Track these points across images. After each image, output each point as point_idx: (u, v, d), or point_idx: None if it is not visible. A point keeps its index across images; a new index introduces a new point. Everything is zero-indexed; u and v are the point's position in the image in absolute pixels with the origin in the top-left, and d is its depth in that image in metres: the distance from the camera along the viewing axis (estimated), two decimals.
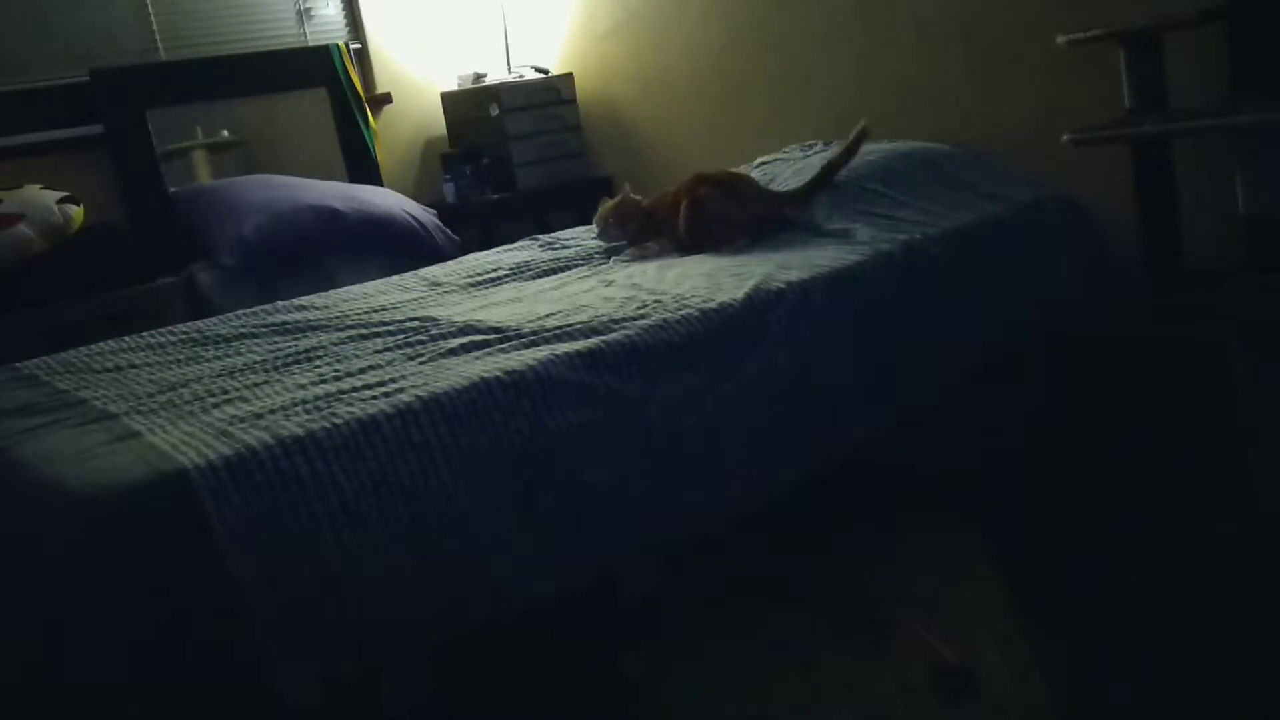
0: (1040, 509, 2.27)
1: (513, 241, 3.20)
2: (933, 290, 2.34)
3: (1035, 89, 2.87)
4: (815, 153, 3.10)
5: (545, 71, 4.30)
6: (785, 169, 2.99)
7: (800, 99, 3.52)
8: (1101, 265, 2.67)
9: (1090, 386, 2.23)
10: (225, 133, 3.98)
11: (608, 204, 2.84)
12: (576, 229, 3.23)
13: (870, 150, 2.87)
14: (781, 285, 2.15)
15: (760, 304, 2.08)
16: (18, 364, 2.27)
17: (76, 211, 3.22)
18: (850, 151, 2.71)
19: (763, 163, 3.17)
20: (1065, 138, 2.38)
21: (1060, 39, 2.50)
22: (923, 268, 2.34)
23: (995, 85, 2.97)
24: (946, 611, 1.93)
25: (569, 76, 4.25)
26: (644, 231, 2.79)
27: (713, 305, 2.04)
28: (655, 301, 2.11)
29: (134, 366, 2.19)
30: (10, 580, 1.58)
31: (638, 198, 2.84)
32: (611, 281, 2.41)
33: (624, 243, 2.83)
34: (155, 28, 3.77)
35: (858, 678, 1.78)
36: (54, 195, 3.20)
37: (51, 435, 1.75)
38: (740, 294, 2.09)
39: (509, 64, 4.40)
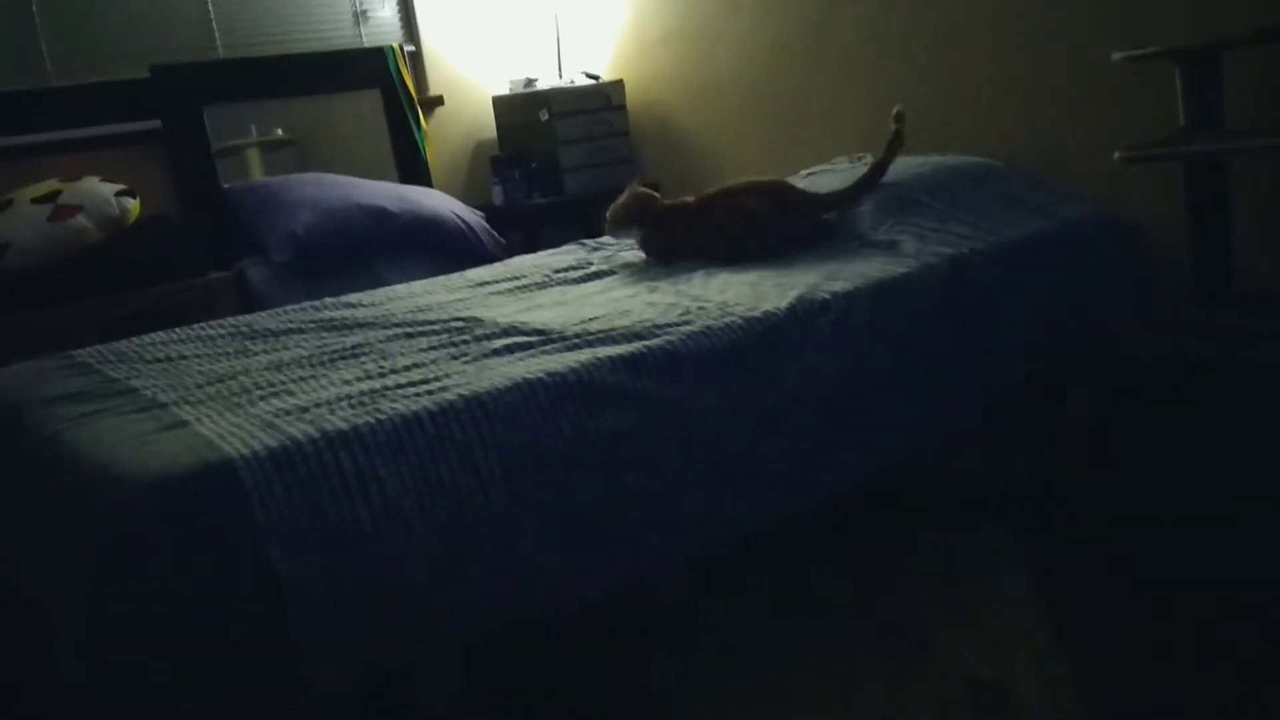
0: (1081, 528, 2.24)
1: (559, 245, 3.22)
2: (978, 305, 2.32)
3: (1087, 105, 2.85)
4: (865, 163, 3.09)
5: (596, 78, 4.33)
6: (833, 180, 2.98)
7: (850, 110, 3.52)
8: (1151, 286, 2.64)
9: (1136, 406, 2.21)
10: (279, 131, 4.04)
11: (619, 200, 2.79)
12: None
13: (920, 163, 2.86)
14: (826, 296, 2.15)
15: (804, 314, 2.08)
16: (72, 351, 2.32)
17: (133, 204, 3.28)
18: (895, 144, 2.69)
19: (810, 173, 3.17)
20: (1117, 155, 2.36)
21: (1116, 55, 2.48)
22: (969, 282, 2.33)
23: (1047, 100, 2.95)
24: (984, 629, 1.92)
25: (619, 83, 4.27)
26: (658, 231, 2.75)
27: (756, 314, 2.04)
28: (699, 308, 2.12)
29: (184, 358, 2.23)
30: (60, 563, 1.61)
31: (650, 192, 2.78)
32: (655, 287, 2.42)
33: (633, 241, 2.82)
34: (215, 25, 3.83)
35: (893, 694, 1.78)
36: (112, 188, 3.26)
37: (102, 422, 1.78)
38: (784, 303, 2.10)
39: (560, 69, 4.43)
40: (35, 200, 3.12)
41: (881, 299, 2.19)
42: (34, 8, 3.44)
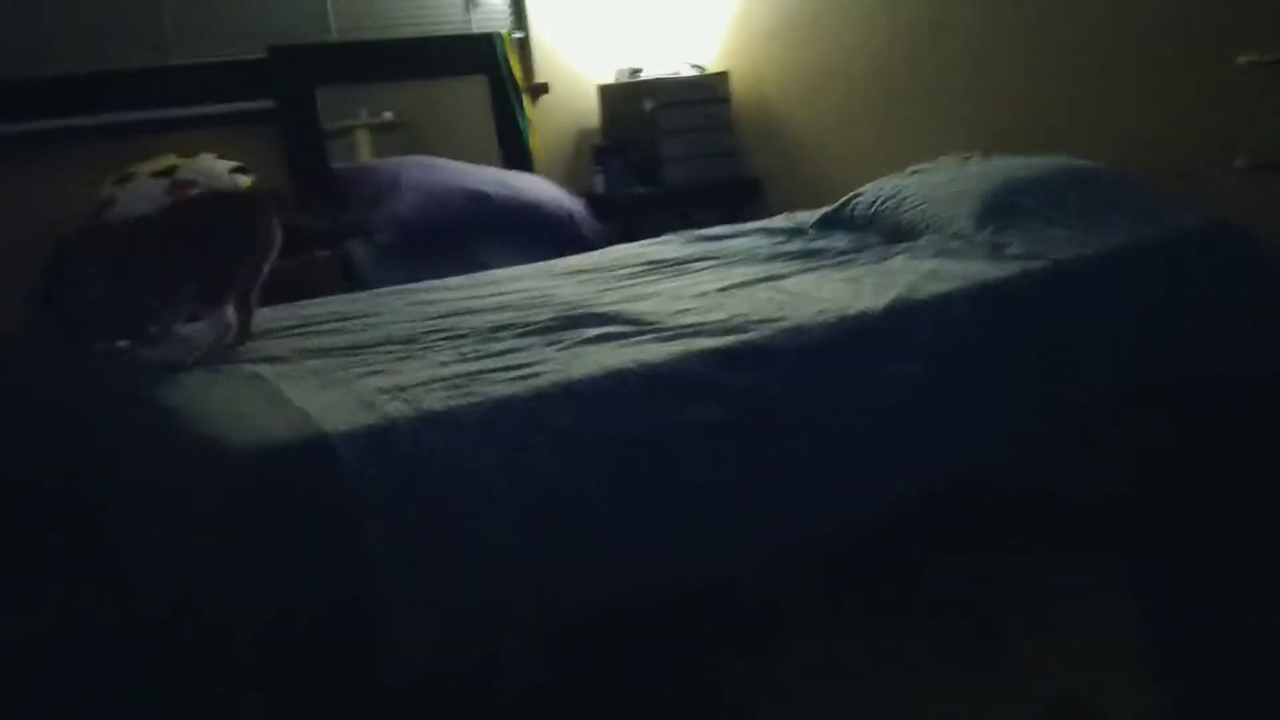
0: (1175, 545, 2.18)
1: (657, 235, 3.23)
2: (1081, 312, 2.27)
3: (1208, 110, 2.74)
4: (972, 163, 3.04)
5: (701, 69, 4.32)
6: (939, 178, 2.93)
7: (960, 109, 3.45)
8: (1272, 301, 2.53)
9: (1242, 425, 2.14)
10: (388, 114, 4.11)
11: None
12: (722, 226, 3.23)
13: (1025, 164, 2.80)
14: (924, 296, 2.12)
15: (901, 313, 2.06)
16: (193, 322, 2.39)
17: (246, 181, 3.37)
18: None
19: (915, 170, 3.12)
20: (1240, 162, 2.27)
21: (1241, 59, 2.39)
22: (1072, 288, 2.27)
23: (1164, 104, 2.86)
24: (1069, 642, 1.88)
25: (724, 75, 4.26)
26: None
27: (852, 312, 2.03)
28: (794, 304, 2.10)
29: (287, 334, 2.29)
30: (165, 525, 1.67)
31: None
32: (751, 282, 2.41)
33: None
34: (330, 8, 3.91)
35: (976, 705, 1.75)
36: (227, 165, 3.36)
37: (207, 394, 1.84)
38: (881, 303, 2.07)
39: (667, 60, 4.43)
40: (154, 175, 3.22)
41: (980, 302, 2.15)
42: None
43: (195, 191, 3.14)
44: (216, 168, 3.32)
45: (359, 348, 2.08)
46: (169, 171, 3.22)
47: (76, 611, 2.18)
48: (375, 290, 2.70)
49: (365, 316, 2.39)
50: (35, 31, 3.39)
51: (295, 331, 2.30)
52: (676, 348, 1.86)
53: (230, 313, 2.11)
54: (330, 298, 2.62)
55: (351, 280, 3.32)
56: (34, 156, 2.30)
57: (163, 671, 1.74)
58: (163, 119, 3.59)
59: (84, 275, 2.11)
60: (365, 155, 4.02)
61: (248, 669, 1.48)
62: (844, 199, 3.08)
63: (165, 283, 2.12)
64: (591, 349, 1.93)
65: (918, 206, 2.82)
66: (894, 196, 2.92)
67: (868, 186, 3.08)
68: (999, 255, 2.40)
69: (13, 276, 3.14)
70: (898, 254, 2.58)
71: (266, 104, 3.70)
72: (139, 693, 1.81)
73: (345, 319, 2.39)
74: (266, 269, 2.15)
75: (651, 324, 2.03)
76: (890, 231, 2.84)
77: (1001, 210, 2.61)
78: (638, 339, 1.96)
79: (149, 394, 1.92)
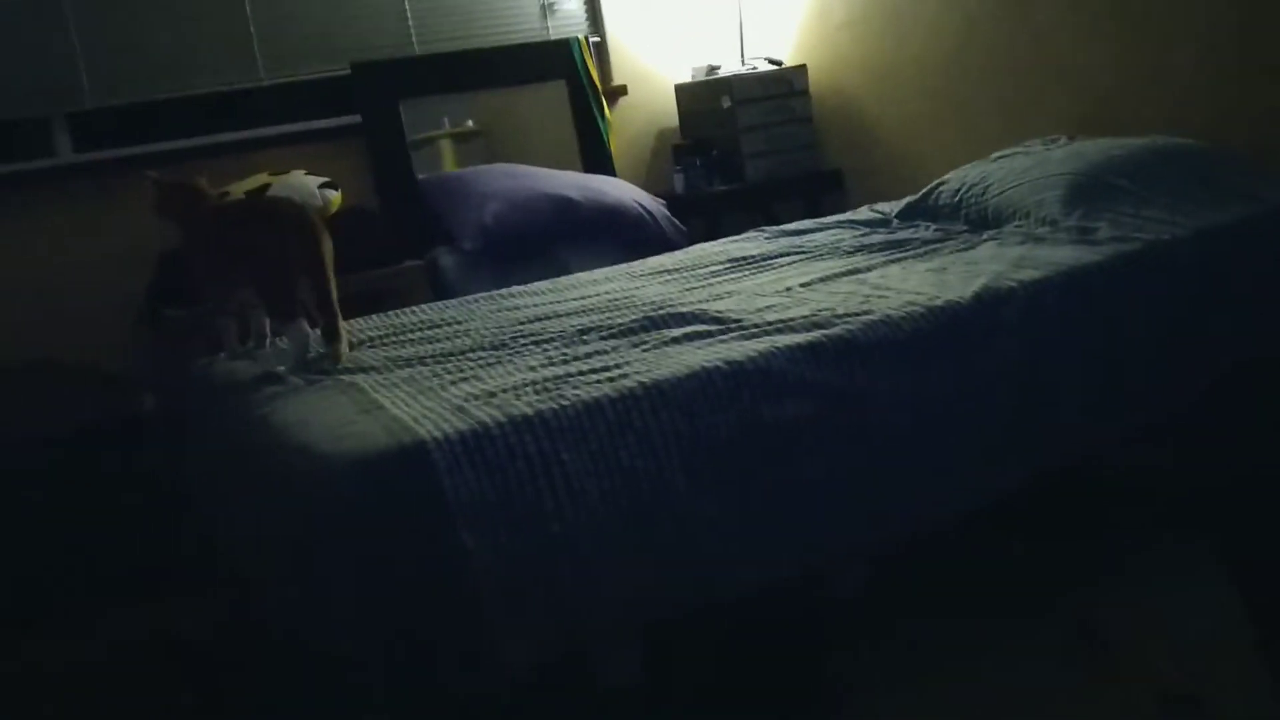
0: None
1: (739, 233, 3.22)
2: (1177, 296, 2.21)
3: None
4: (1059, 147, 2.98)
5: (779, 63, 4.30)
6: (1024, 162, 2.88)
7: (1045, 91, 3.38)
8: None
9: None
10: (470, 122, 4.18)
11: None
12: (804, 221, 3.22)
13: (1115, 144, 2.74)
14: (1013, 284, 2.09)
15: (989, 302, 2.03)
16: (278, 337, 2.47)
17: (335, 196, 3.45)
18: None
19: (1000, 156, 3.07)
20: None
21: None
22: (1167, 271, 2.22)
23: (1262, 77, 2.76)
24: (1176, 634, 1.84)
25: (802, 68, 4.23)
26: (193, 243, 2.35)
27: (939, 303, 2.01)
28: (879, 297, 2.09)
29: (379, 343, 2.34)
30: (270, 532, 1.73)
31: (188, 184, 2.34)
32: (835, 275, 2.40)
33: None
34: (411, 22, 3.99)
35: (1078, 700, 1.72)
36: (316, 180, 3.44)
37: (306, 403, 1.90)
38: (968, 292, 2.05)
39: (743, 56, 4.42)
40: (248, 193, 3.32)
41: (1072, 288, 2.11)
42: (248, 11, 3.67)
43: (320, 205, 3.25)
44: (307, 183, 3.41)
45: (449, 355, 2.13)
46: (262, 189, 3.32)
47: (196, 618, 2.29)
48: (463, 298, 2.75)
49: (454, 324, 2.44)
50: (133, 60, 3.53)
51: (388, 341, 2.35)
52: (762, 345, 1.87)
53: (305, 325, 2.17)
54: (419, 306, 2.67)
55: (440, 288, 3.38)
56: (136, 181, 2.41)
57: (278, 679, 1.80)
58: (255, 138, 3.71)
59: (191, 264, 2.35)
60: (448, 164, 4.08)
61: (361, 674, 1.52)
62: (927, 188, 3.04)
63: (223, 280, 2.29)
64: (676, 349, 1.94)
65: (1003, 193, 2.77)
66: (979, 183, 2.88)
67: (951, 174, 3.04)
68: (1089, 239, 2.36)
69: (121, 300, 3.30)
70: (984, 242, 2.54)
71: (353, 119, 3.80)
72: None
73: (435, 326, 2.44)
74: (330, 281, 2.19)
75: (736, 321, 2.04)
76: (976, 219, 2.81)
77: (1091, 193, 2.56)
78: (722, 337, 1.97)
79: (249, 406, 1.99)
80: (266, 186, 3.34)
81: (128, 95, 3.54)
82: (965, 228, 2.78)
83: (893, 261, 2.47)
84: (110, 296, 3.34)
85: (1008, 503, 2.03)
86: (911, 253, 2.56)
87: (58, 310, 3.32)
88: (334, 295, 2.16)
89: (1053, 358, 2.04)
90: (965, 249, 2.51)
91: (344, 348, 2.17)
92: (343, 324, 2.21)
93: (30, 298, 3.32)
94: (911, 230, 2.85)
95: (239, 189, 3.34)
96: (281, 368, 2.12)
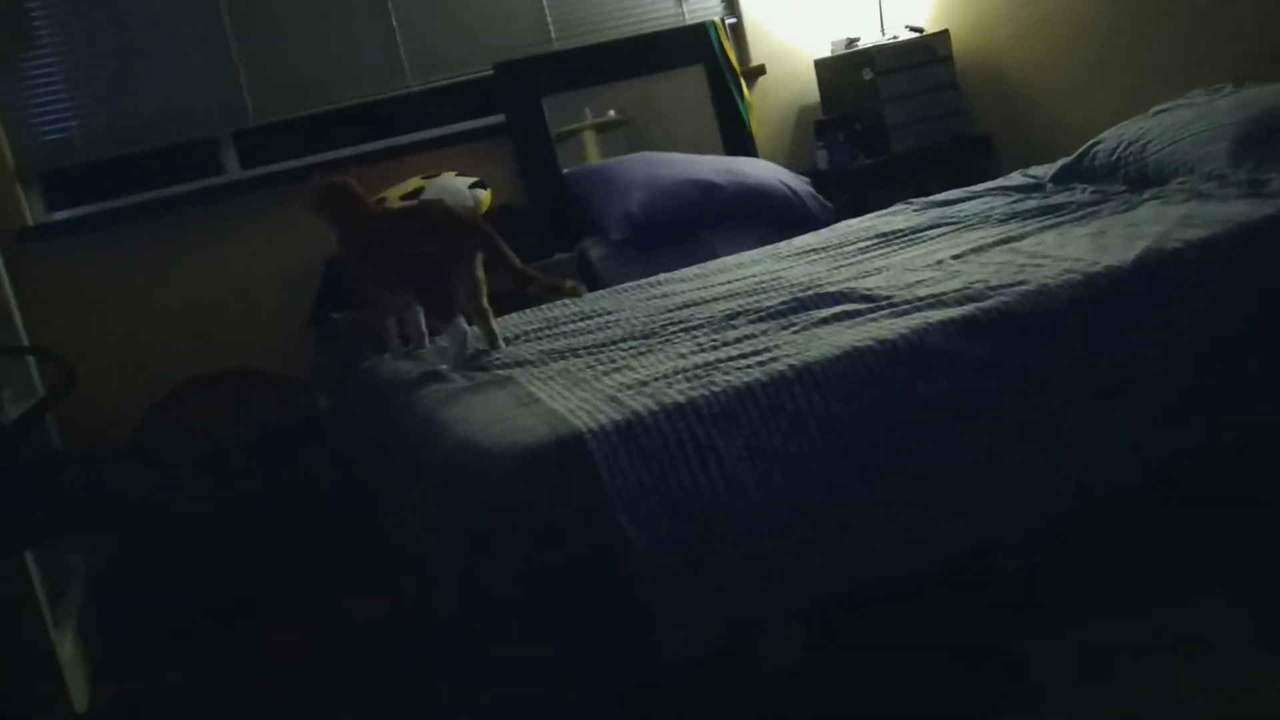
0: None
1: (886, 206, 3.17)
2: None
3: None
4: (1223, 96, 2.83)
5: (920, 30, 4.20)
6: (1186, 115, 2.75)
7: (1204, 37, 3.21)
8: None
9: None
10: (611, 112, 4.22)
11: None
12: (953, 191, 3.15)
13: None
14: (1178, 245, 2.00)
15: (1153, 266, 1.95)
16: (436, 336, 2.55)
17: (485, 195, 3.55)
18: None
19: (1159, 110, 2.94)
20: None
21: None
22: None
23: None
24: None
25: (944, 34, 4.13)
26: (352, 242, 2.43)
27: (1099, 268, 1.94)
28: (1035, 266, 2.03)
29: (534, 336, 2.40)
30: (440, 526, 1.80)
31: (344, 184, 2.43)
32: (988, 245, 2.34)
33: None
34: (549, 19, 4.05)
35: (1261, 680, 1.64)
36: (466, 181, 3.54)
37: (468, 399, 1.97)
38: (1130, 255, 1.97)
39: (882, 26, 4.34)
40: (403, 197, 3.44)
41: (1243, 247, 2.01)
42: (394, 22, 3.80)
43: (472, 205, 3.37)
44: (458, 184, 3.51)
45: (601, 345, 2.17)
46: (416, 193, 3.43)
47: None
48: (612, 288, 2.79)
49: (604, 314, 2.48)
50: (290, 78, 3.70)
51: (542, 334, 2.41)
52: (914, 321, 1.84)
53: (462, 323, 2.25)
54: (571, 299, 2.72)
55: (589, 279, 3.43)
56: (295, 193, 2.54)
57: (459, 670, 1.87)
58: (406, 143, 3.85)
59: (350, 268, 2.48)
60: (592, 155, 4.14)
61: (535, 664, 1.57)
62: (1082, 148, 2.93)
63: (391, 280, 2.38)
64: (826, 329, 1.93)
65: (1165, 149, 2.65)
66: (1138, 140, 2.76)
67: (1108, 132, 2.92)
68: (1262, 192, 2.23)
69: (292, 305, 3.47)
70: (1146, 202, 2.44)
71: (497, 118, 3.89)
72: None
73: (586, 318, 2.48)
74: (480, 279, 2.29)
75: (886, 298, 2.01)
76: (1136, 179, 2.69)
77: (1261, 143, 2.43)
78: (873, 315, 1.94)
79: (414, 403, 2.07)
80: (420, 190, 3.45)
81: (287, 111, 3.72)
82: (1124, 188, 2.66)
83: (1048, 228, 2.39)
84: (284, 303, 3.52)
85: (1185, 475, 1.95)
86: (1068, 217, 2.47)
87: (237, 318, 3.53)
88: (520, 267, 2.29)
89: (1223, 322, 1.95)
90: (1125, 210, 2.41)
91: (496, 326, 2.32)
92: (542, 277, 2.34)
93: (212, 308, 3.54)
94: (1067, 194, 2.75)
95: (394, 194, 3.46)
96: (444, 366, 2.20)
